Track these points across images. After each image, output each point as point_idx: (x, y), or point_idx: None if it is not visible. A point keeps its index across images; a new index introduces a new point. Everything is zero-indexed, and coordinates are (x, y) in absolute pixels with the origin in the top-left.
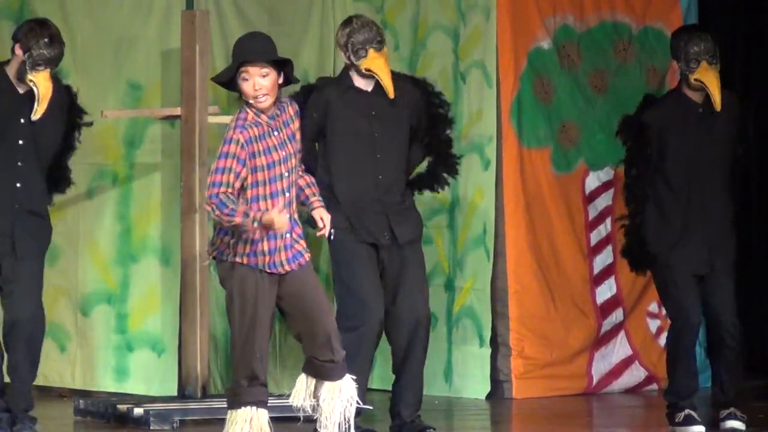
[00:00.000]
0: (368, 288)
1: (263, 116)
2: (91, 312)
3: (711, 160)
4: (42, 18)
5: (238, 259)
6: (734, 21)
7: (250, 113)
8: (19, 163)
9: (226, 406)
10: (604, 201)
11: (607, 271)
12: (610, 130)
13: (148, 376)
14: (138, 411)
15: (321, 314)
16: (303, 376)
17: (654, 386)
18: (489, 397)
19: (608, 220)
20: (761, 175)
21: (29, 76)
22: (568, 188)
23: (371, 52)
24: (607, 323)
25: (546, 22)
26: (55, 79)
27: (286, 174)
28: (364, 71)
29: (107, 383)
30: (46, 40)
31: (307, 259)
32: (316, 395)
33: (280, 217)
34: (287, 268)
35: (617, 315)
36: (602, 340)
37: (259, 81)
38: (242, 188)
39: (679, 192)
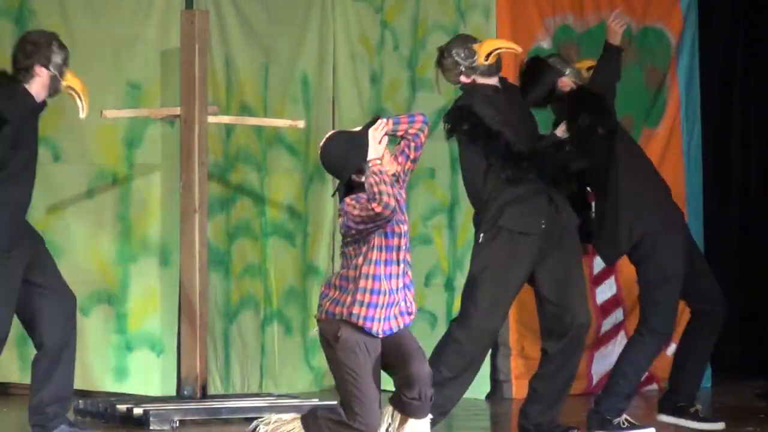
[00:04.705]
0: None
1: None
2: (91, 312)
3: None
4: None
5: (346, 318)
6: (734, 21)
7: None
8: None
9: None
10: None
11: (607, 271)
12: None
13: (148, 376)
14: (137, 411)
15: (412, 356)
16: (389, 408)
17: (654, 386)
18: (489, 397)
19: None
20: (761, 177)
21: (63, 83)
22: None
23: None
24: (607, 323)
25: (546, 22)
26: None
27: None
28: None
29: (107, 383)
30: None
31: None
32: (399, 430)
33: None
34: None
35: (617, 315)
36: (602, 340)
37: None
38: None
39: None
